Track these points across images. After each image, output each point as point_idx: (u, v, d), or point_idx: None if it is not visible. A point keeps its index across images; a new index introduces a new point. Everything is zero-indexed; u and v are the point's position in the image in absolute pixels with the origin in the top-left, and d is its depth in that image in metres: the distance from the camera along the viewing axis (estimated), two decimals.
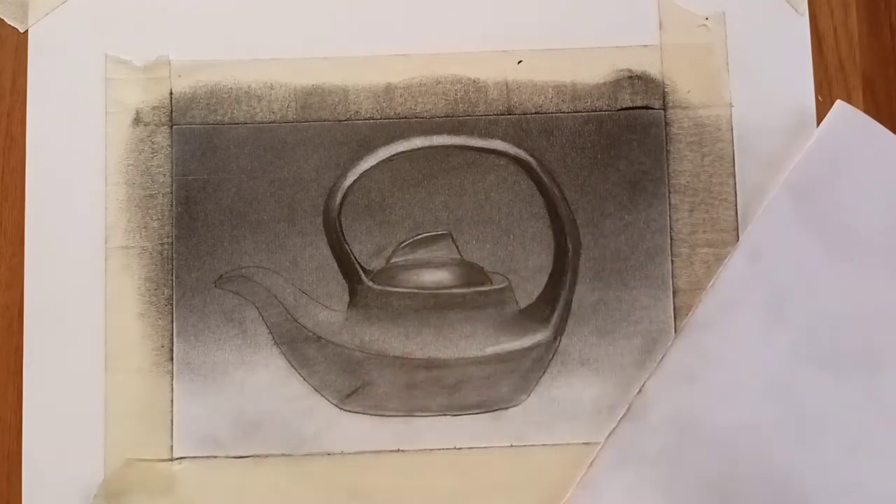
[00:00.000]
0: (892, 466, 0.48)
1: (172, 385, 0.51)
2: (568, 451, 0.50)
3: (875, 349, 0.49)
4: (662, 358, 0.50)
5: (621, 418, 0.50)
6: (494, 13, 0.53)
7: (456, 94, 0.53)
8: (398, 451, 0.51)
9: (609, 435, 0.50)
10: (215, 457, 0.50)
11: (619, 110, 0.53)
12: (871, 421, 0.49)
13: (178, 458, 0.50)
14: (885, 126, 0.52)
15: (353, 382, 0.51)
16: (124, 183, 0.52)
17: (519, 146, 0.52)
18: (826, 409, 0.49)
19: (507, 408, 0.51)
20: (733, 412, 0.49)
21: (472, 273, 0.52)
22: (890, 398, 0.49)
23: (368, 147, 0.52)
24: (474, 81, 0.53)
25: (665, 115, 0.52)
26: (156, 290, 0.51)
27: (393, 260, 0.52)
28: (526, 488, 0.50)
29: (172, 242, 0.52)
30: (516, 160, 0.52)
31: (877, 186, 0.50)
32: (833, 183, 0.50)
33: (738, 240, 0.51)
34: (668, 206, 0.52)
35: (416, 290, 0.51)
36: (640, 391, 0.50)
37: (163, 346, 0.51)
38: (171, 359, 0.51)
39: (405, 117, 0.52)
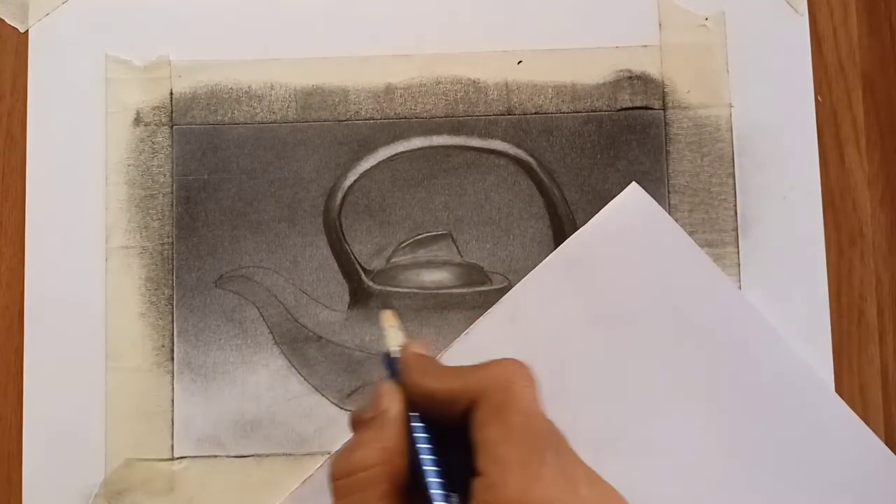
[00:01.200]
0: None
1: (173, 385, 0.51)
2: None
3: (612, 424, 0.49)
4: None
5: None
6: (494, 13, 0.53)
7: (456, 94, 0.53)
8: None
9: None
10: (215, 457, 0.50)
11: (618, 110, 0.53)
12: None
13: (178, 458, 0.50)
14: (884, 128, 0.53)
15: (354, 382, 0.51)
16: (124, 183, 0.52)
17: (519, 146, 0.52)
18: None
19: None
20: None
21: (472, 273, 0.52)
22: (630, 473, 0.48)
23: (368, 147, 0.52)
24: (474, 81, 0.53)
25: (665, 116, 0.52)
26: (156, 290, 0.51)
27: (393, 260, 0.52)
28: None
29: (173, 242, 0.52)
30: (516, 160, 0.52)
31: (648, 270, 0.50)
32: (605, 258, 0.50)
33: (737, 240, 0.52)
34: (667, 206, 0.52)
35: (416, 290, 0.51)
36: None
37: (163, 346, 0.51)
38: (172, 359, 0.51)
39: (405, 117, 0.52)
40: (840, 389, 0.51)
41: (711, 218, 0.52)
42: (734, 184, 0.52)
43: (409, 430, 0.35)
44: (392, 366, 0.37)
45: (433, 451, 0.34)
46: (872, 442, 0.49)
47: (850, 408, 0.50)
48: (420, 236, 0.52)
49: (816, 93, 0.53)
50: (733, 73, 0.53)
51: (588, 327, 0.49)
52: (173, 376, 0.51)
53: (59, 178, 0.52)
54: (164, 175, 0.52)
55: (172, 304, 0.51)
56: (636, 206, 0.51)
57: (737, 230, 0.52)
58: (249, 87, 0.52)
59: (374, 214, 0.52)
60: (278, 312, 0.51)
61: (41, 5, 0.53)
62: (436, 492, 0.33)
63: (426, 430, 0.35)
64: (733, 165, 0.52)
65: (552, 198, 0.52)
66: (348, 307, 0.51)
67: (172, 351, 0.51)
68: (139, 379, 0.50)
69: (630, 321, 0.50)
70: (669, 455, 0.49)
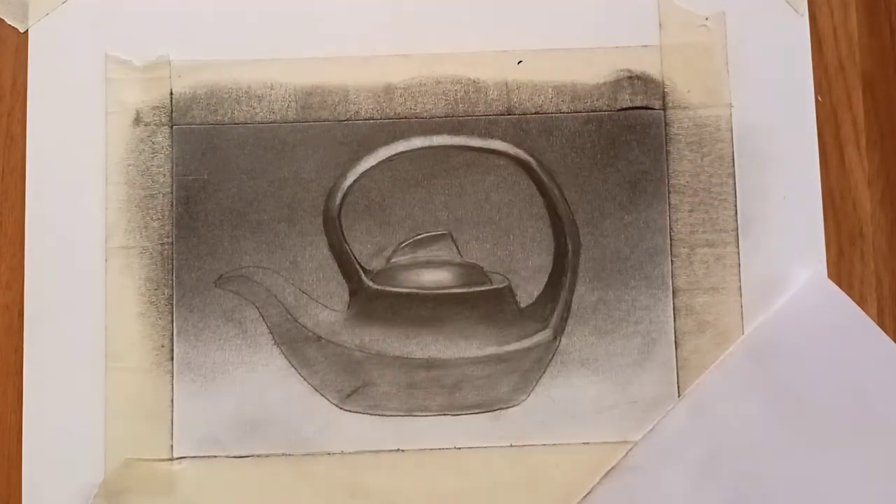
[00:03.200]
0: None
1: (172, 385, 0.51)
2: (568, 450, 0.50)
3: None
4: (587, 495, 0.49)
5: None
6: (494, 13, 0.53)
7: (456, 94, 0.53)
8: (398, 451, 0.51)
9: None
10: (215, 457, 0.50)
11: (618, 110, 0.53)
12: None
13: (178, 458, 0.50)
14: (884, 128, 0.53)
15: (353, 382, 0.51)
16: (124, 183, 0.52)
17: (519, 146, 0.52)
18: None
19: (506, 408, 0.51)
20: None
21: (472, 273, 0.52)
22: None
23: (368, 147, 0.52)
24: (474, 81, 0.53)
25: (665, 116, 0.52)
26: (156, 289, 0.51)
27: (393, 260, 0.52)
28: (526, 488, 0.50)
29: (172, 242, 0.52)
30: (516, 160, 0.52)
31: (836, 362, 0.49)
32: (793, 351, 0.49)
33: (737, 240, 0.52)
34: (667, 206, 0.52)
35: (416, 290, 0.51)
36: None
37: (163, 346, 0.51)
38: (172, 359, 0.51)
39: (405, 117, 0.52)
40: None
41: (711, 218, 0.52)
42: (734, 184, 0.52)
43: None
44: None
45: None
46: None
47: None
48: (420, 236, 0.52)
49: (816, 93, 0.53)
50: (733, 73, 0.53)
51: (776, 421, 0.49)
52: (173, 376, 0.51)
53: (59, 178, 0.52)
54: (164, 175, 0.52)
55: (172, 304, 0.51)
56: (822, 297, 0.50)
57: (737, 230, 0.52)
58: (249, 87, 0.52)
59: (374, 214, 0.52)
60: (278, 312, 0.51)
61: (41, 5, 0.53)
62: None
63: None
64: (733, 165, 0.52)
65: (552, 198, 0.52)
66: (348, 307, 0.51)
67: (172, 351, 0.51)
68: (139, 379, 0.50)
69: (819, 417, 0.49)
70: None
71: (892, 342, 0.50)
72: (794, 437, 0.49)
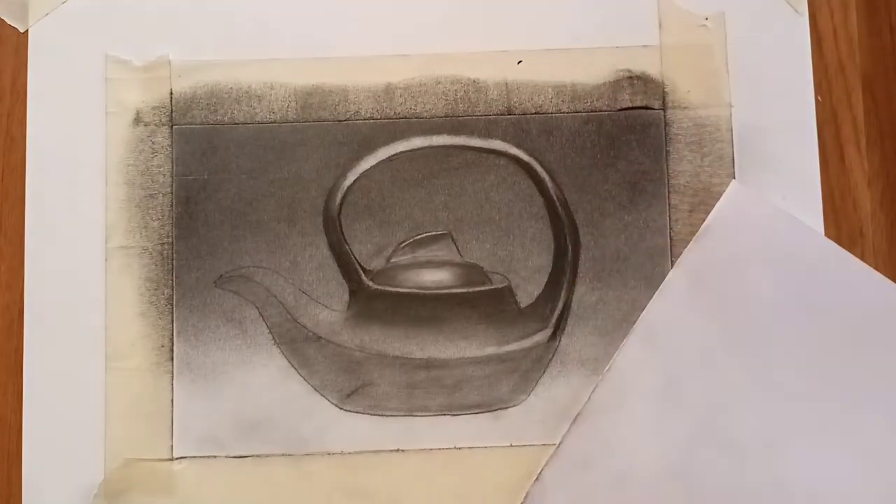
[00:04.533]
0: None
1: (172, 385, 0.51)
2: None
3: (773, 431, 0.48)
4: (559, 444, 0.50)
5: None
6: (494, 13, 0.53)
7: (456, 94, 0.53)
8: (398, 450, 0.51)
9: None
10: (215, 457, 0.50)
11: (618, 110, 0.53)
12: None
13: (178, 458, 0.50)
14: (884, 128, 0.53)
15: (353, 382, 0.51)
16: (124, 183, 0.52)
17: (519, 146, 0.52)
18: (726, 495, 0.48)
19: (506, 407, 0.51)
20: (630, 499, 0.48)
21: (472, 273, 0.52)
22: (790, 481, 0.48)
23: (368, 147, 0.52)
24: (474, 81, 0.53)
25: (665, 116, 0.52)
26: (156, 290, 0.51)
27: (393, 260, 0.52)
28: (525, 488, 0.50)
29: (172, 242, 0.52)
30: (516, 160, 0.52)
31: (770, 266, 0.50)
32: (727, 264, 0.50)
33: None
34: (667, 207, 0.52)
35: (416, 290, 0.51)
36: (537, 478, 0.49)
37: (163, 346, 0.51)
38: (171, 359, 0.51)
39: (405, 117, 0.52)
40: None
41: None
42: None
43: None
44: None
45: None
46: None
47: None
48: (420, 236, 0.52)
49: (816, 93, 0.53)
50: (733, 73, 0.53)
51: (726, 335, 0.49)
52: (173, 376, 0.51)
53: (59, 178, 0.52)
54: (164, 175, 0.52)
55: (172, 304, 0.51)
56: (743, 204, 0.50)
57: None
58: (249, 86, 0.52)
59: (374, 214, 0.52)
60: (278, 312, 0.51)
61: (41, 5, 0.53)
62: None
63: None
64: (733, 165, 0.52)
65: (552, 198, 0.52)
66: (348, 307, 0.51)
67: (172, 351, 0.51)
68: (139, 379, 0.50)
69: (766, 321, 0.49)
70: (837, 446, 0.48)
71: (816, 231, 0.50)
72: (744, 347, 0.49)
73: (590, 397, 0.50)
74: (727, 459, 0.48)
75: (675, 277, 0.50)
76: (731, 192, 0.50)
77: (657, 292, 0.50)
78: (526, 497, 0.49)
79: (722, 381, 0.49)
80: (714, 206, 0.52)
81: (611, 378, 0.50)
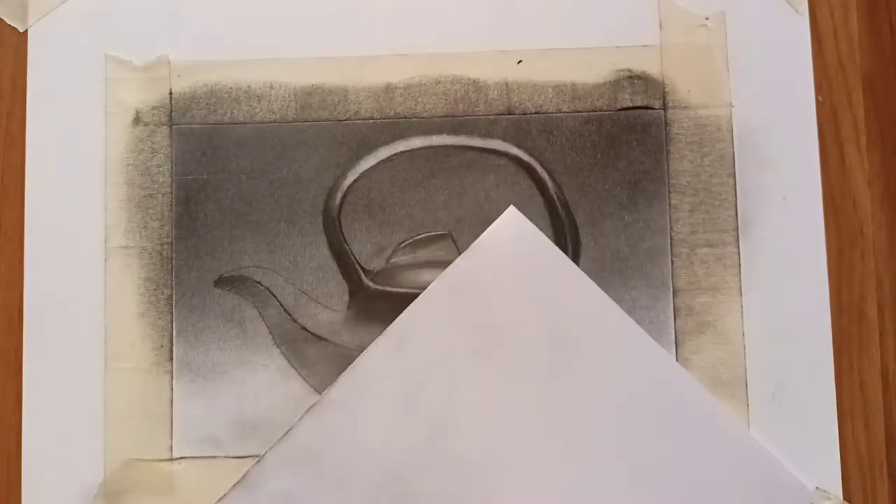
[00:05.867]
0: None
1: (172, 385, 0.51)
2: None
3: (499, 451, 0.49)
4: (289, 430, 0.49)
5: (236, 483, 0.49)
6: (494, 13, 0.53)
7: (456, 94, 0.53)
8: None
9: (219, 499, 0.49)
10: (215, 457, 0.50)
11: (619, 110, 0.53)
12: None
13: (177, 458, 0.50)
14: (884, 128, 0.53)
15: None
16: (124, 183, 0.52)
17: (519, 146, 0.52)
18: None
19: None
20: (346, 499, 0.48)
21: None
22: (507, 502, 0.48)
23: (368, 147, 0.52)
24: (474, 81, 0.53)
25: (665, 115, 0.52)
26: (156, 290, 0.51)
27: (393, 260, 0.52)
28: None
29: (172, 242, 0.52)
30: (516, 160, 0.52)
31: (523, 291, 0.50)
32: (487, 283, 0.50)
33: (737, 240, 0.52)
34: (668, 206, 0.52)
35: (416, 290, 0.51)
36: (259, 459, 0.49)
37: (163, 346, 0.51)
38: (171, 359, 0.51)
39: (405, 117, 0.52)
40: (840, 389, 0.51)
41: (712, 218, 0.52)
42: (734, 184, 0.52)
43: None
44: None
45: None
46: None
47: (850, 407, 0.50)
48: (420, 236, 0.52)
49: (816, 93, 0.53)
50: (733, 73, 0.53)
51: (473, 353, 0.49)
52: (172, 376, 0.51)
53: (59, 178, 0.52)
54: (164, 175, 0.52)
55: (172, 304, 0.51)
56: (516, 231, 0.51)
57: (737, 230, 0.52)
58: (249, 86, 0.52)
59: (374, 214, 0.52)
60: (278, 313, 0.51)
61: (41, 5, 0.53)
62: None
63: None
64: (733, 165, 0.52)
65: (552, 198, 0.52)
66: (348, 307, 0.51)
67: (172, 351, 0.51)
68: (138, 379, 0.50)
69: (514, 345, 0.50)
70: (562, 480, 0.49)
71: (578, 269, 0.50)
72: (486, 365, 0.49)
73: (329, 390, 0.49)
74: (447, 473, 0.48)
75: (438, 287, 0.50)
76: (507, 216, 0.51)
77: (418, 299, 0.50)
78: (245, 476, 0.49)
79: (460, 395, 0.49)
80: (714, 204, 0.52)
81: (353, 375, 0.49)
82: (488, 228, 0.51)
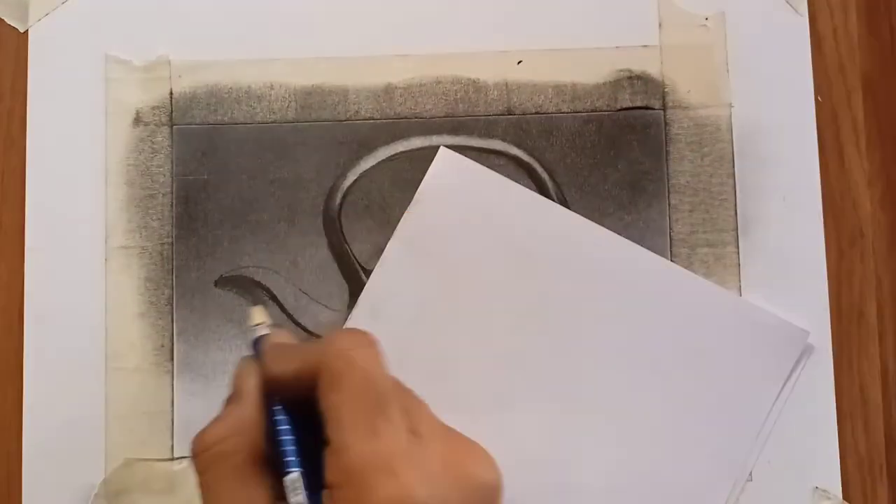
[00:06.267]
0: None
1: (172, 385, 0.51)
2: None
3: (494, 392, 0.49)
4: None
5: None
6: (494, 13, 0.53)
7: (456, 94, 0.53)
8: None
9: None
10: None
11: (618, 110, 0.53)
12: None
13: (178, 458, 0.50)
14: (884, 128, 0.53)
15: None
16: (124, 183, 0.52)
17: (519, 146, 0.52)
18: None
19: None
20: None
21: None
22: (517, 439, 0.48)
23: (368, 147, 0.52)
24: (474, 81, 0.53)
25: (665, 116, 0.52)
26: (156, 290, 0.51)
27: None
28: None
29: (172, 242, 0.52)
30: (516, 160, 0.52)
31: (482, 226, 0.50)
32: (440, 229, 0.50)
33: (737, 240, 0.52)
34: (667, 206, 0.52)
35: None
36: None
37: (163, 346, 0.51)
38: (172, 359, 0.51)
39: (405, 117, 0.52)
40: (840, 389, 0.51)
41: (711, 218, 0.52)
42: (734, 184, 0.52)
43: (268, 407, 0.36)
44: (255, 348, 0.39)
45: (292, 427, 0.36)
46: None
47: (850, 408, 0.50)
48: None
49: (816, 93, 0.53)
50: (733, 73, 0.53)
51: (446, 298, 0.49)
52: (173, 376, 0.51)
53: (59, 178, 0.52)
54: (164, 175, 0.52)
55: (172, 304, 0.51)
56: (451, 168, 0.51)
57: (737, 230, 0.52)
58: (249, 86, 0.52)
59: (374, 214, 0.52)
60: (278, 313, 0.51)
61: (41, 5, 0.53)
62: (290, 459, 0.34)
63: (287, 409, 0.36)
64: (733, 165, 0.52)
65: (552, 198, 0.52)
66: (348, 307, 0.51)
67: (172, 351, 0.51)
68: (139, 379, 0.50)
69: (484, 279, 0.50)
70: (565, 390, 0.49)
71: (524, 188, 0.51)
72: (464, 311, 0.49)
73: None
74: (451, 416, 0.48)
75: (392, 248, 0.50)
76: (439, 158, 0.51)
77: (377, 264, 0.50)
78: None
79: (444, 347, 0.49)
80: (714, 204, 0.52)
81: None
82: (426, 174, 0.51)
